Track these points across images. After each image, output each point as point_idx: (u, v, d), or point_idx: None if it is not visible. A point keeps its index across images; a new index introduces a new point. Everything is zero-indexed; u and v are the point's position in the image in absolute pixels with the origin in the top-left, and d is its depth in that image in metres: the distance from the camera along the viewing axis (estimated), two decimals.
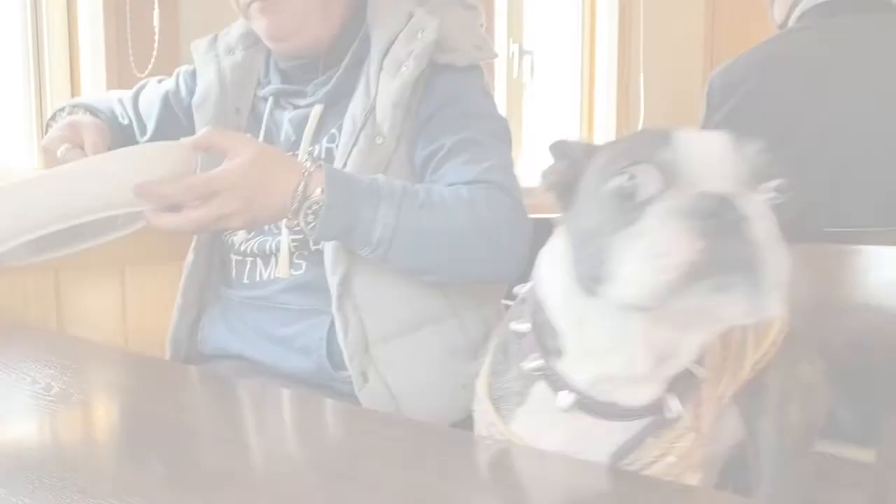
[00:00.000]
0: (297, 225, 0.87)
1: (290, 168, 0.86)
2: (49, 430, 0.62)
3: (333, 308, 0.96)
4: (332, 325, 0.97)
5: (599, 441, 0.56)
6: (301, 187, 0.84)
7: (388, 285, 0.98)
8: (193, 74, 1.16)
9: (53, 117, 1.10)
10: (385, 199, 0.88)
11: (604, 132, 3.17)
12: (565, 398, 0.56)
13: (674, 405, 0.55)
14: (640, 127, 3.13)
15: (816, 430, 0.75)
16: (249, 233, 1.07)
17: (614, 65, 3.13)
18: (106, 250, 1.39)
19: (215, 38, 1.16)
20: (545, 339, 0.57)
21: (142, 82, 1.24)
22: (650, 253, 0.45)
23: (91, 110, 1.11)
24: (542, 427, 0.58)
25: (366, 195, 0.88)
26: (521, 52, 2.76)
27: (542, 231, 0.67)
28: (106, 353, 0.90)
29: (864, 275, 0.82)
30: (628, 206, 0.48)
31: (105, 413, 0.67)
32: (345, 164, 0.97)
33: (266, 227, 1.05)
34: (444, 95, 1.00)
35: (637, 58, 3.15)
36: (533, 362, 0.58)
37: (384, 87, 0.97)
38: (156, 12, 1.36)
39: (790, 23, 1.48)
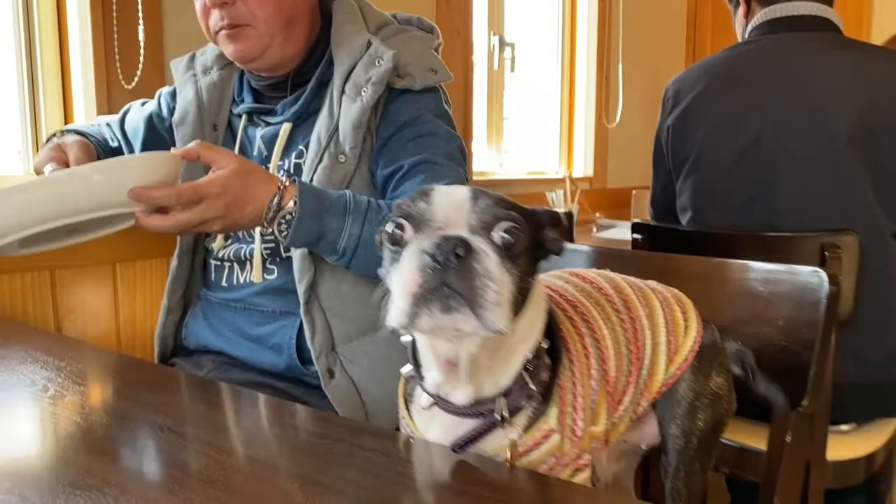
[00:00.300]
0: (272, 233, 0.97)
1: (266, 181, 0.95)
2: (44, 429, 0.72)
3: (301, 311, 1.06)
4: (302, 325, 1.07)
5: (452, 433, 0.67)
6: (276, 199, 0.94)
7: (351, 290, 1.08)
8: (173, 94, 1.24)
9: (48, 141, 1.18)
10: (351, 213, 0.98)
11: (584, 122, 3.23)
12: (425, 399, 0.69)
13: (499, 408, 0.65)
14: (618, 117, 3.21)
15: (722, 429, 0.84)
16: (226, 240, 1.16)
17: (594, 56, 3.18)
18: (98, 250, 1.50)
19: (193, 58, 1.24)
20: (415, 351, 0.70)
21: (126, 106, 1.31)
22: (400, 285, 0.58)
23: (80, 133, 1.19)
24: (426, 421, 0.71)
25: (334, 208, 0.97)
26: (502, 44, 2.82)
27: None
28: (100, 356, 0.99)
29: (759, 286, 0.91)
30: (395, 249, 0.62)
31: (95, 414, 0.77)
32: (311, 180, 1.06)
33: (241, 235, 1.15)
34: (401, 118, 1.08)
35: (616, 49, 3.21)
36: (406, 368, 0.72)
37: (345, 110, 1.06)
38: (141, 27, 1.43)
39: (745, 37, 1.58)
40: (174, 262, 1.21)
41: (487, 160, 2.87)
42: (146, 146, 1.24)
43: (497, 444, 0.66)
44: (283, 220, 0.95)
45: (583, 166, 3.25)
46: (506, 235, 0.60)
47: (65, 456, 0.64)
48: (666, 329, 0.80)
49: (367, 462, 0.64)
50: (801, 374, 0.84)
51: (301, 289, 1.05)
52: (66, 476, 0.59)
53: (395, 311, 0.58)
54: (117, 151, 1.25)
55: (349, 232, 0.97)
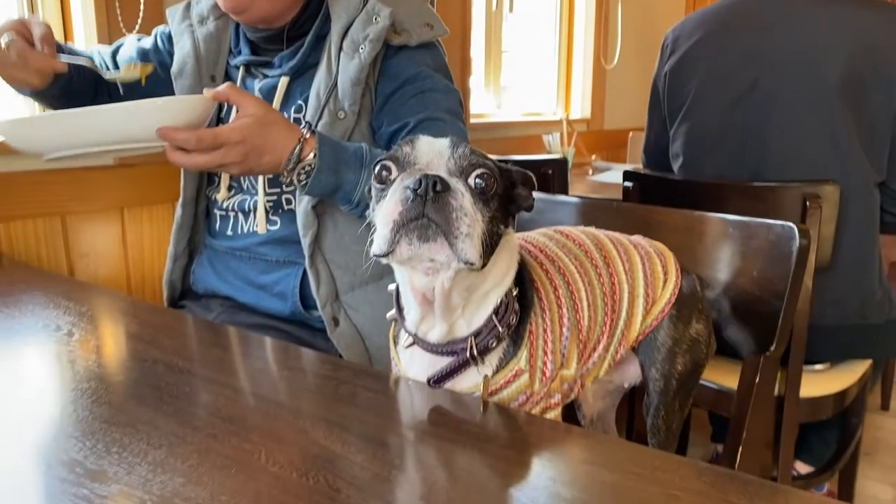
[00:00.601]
0: (290, 182, 1.00)
1: (287, 132, 0.98)
2: (74, 372, 0.78)
3: (306, 263, 1.11)
4: (305, 274, 1.13)
5: (430, 370, 0.75)
6: (296, 151, 0.98)
7: (353, 242, 1.13)
8: (170, 38, 1.24)
9: None
10: (367, 167, 1.02)
11: (581, 63, 3.22)
12: (406, 338, 0.77)
13: (470, 346, 0.73)
14: (616, 58, 3.19)
15: (701, 371, 0.91)
16: (230, 191, 1.21)
17: None
18: (106, 196, 1.55)
19: (188, 6, 1.23)
20: (398, 296, 0.78)
21: (120, 39, 1.32)
22: (383, 214, 0.65)
23: (68, 50, 1.18)
24: (408, 359, 0.79)
25: (351, 161, 1.01)
26: None
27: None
28: (117, 302, 1.05)
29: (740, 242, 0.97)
30: (381, 187, 0.70)
31: (119, 358, 0.83)
32: None
33: (245, 187, 1.19)
34: (401, 75, 1.11)
35: None
36: (390, 312, 0.80)
37: (344, 67, 1.09)
38: None
39: None
40: (178, 211, 1.26)
41: (485, 102, 2.88)
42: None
43: (472, 383, 0.74)
44: (302, 171, 0.99)
45: (580, 108, 3.26)
46: (479, 181, 0.68)
47: (95, 396, 0.71)
48: (644, 283, 0.86)
49: (370, 402, 0.71)
50: (771, 323, 0.91)
51: (305, 242, 1.10)
52: (101, 414, 0.66)
53: (378, 240, 0.66)
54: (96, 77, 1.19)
55: (365, 185, 1.01)
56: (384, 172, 0.70)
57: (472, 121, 2.74)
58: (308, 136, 0.98)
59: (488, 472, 0.57)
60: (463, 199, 0.65)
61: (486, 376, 0.73)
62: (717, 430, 1.95)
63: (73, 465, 0.57)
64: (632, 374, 0.94)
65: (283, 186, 1.15)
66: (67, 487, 0.54)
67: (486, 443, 0.63)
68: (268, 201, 1.15)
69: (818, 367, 1.45)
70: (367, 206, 1.02)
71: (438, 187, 0.63)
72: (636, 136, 2.92)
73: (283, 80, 1.14)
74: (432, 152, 0.69)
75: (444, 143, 0.70)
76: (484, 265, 0.67)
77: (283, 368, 0.80)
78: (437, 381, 0.75)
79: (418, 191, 0.63)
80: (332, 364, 0.81)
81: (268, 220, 1.16)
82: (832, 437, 1.71)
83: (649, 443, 0.91)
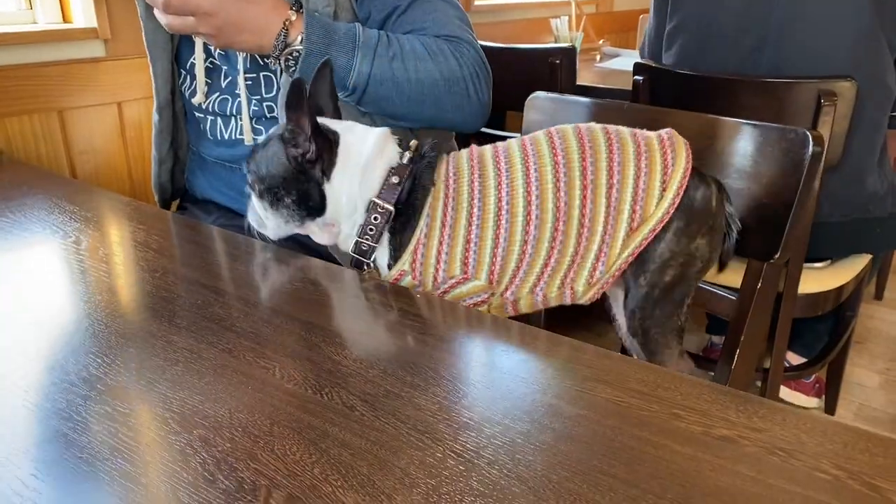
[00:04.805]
0: (278, 65, 0.97)
1: (271, 12, 0.93)
2: (86, 283, 0.79)
3: None
4: None
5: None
6: (282, 36, 0.94)
7: None
8: None
9: None
10: (361, 49, 0.97)
11: None
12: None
13: (353, 251, 0.86)
14: None
15: (686, 286, 0.87)
16: (207, 91, 1.16)
17: None
18: (102, 91, 1.51)
19: None
20: None
21: None
22: None
23: None
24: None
25: (342, 43, 0.96)
26: None
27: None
28: (121, 206, 1.04)
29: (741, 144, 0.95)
30: None
31: (128, 268, 0.84)
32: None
33: (223, 86, 1.15)
34: None
35: None
36: None
37: None
38: None
39: None
40: (155, 116, 1.21)
41: None
42: None
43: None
44: (290, 57, 0.95)
45: None
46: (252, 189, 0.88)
47: (109, 309, 0.72)
48: (633, 199, 0.82)
49: (381, 315, 0.73)
50: (778, 229, 0.90)
51: None
52: (116, 328, 0.68)
53: None
54: None
55: (359, 69, 0.97)
56: None
57: (477, 2, 2.62)
58: (294, 18, 0.94)
59: (494, 389, 0.59)
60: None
61: (370, 268, 0.87)
62: (713, 323, 2.00)
63: (94, 381, 0.59)
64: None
65: (263, 92, 1.12)
66: (91, 405, 0.56)
67: (495, 360, 0.65)
68: (252, 111, 1.12)
69: (818, 265, 1.47)
70: (364, 93, 1.00)
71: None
72: (647, 20, 2.80)
73: None
74: None
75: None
76: (318, 214, 0.84)
77: (295, 281, 0.81)
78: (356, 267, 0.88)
79: None
80: (343, 276, 0.82)
81: (252, 129, 1.13)
82: (825, 329, 1.75)
83: (629, 343, 0.92)
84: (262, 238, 0.90)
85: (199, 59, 1.12)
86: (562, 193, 0.82)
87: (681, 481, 0.48)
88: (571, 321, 1.96)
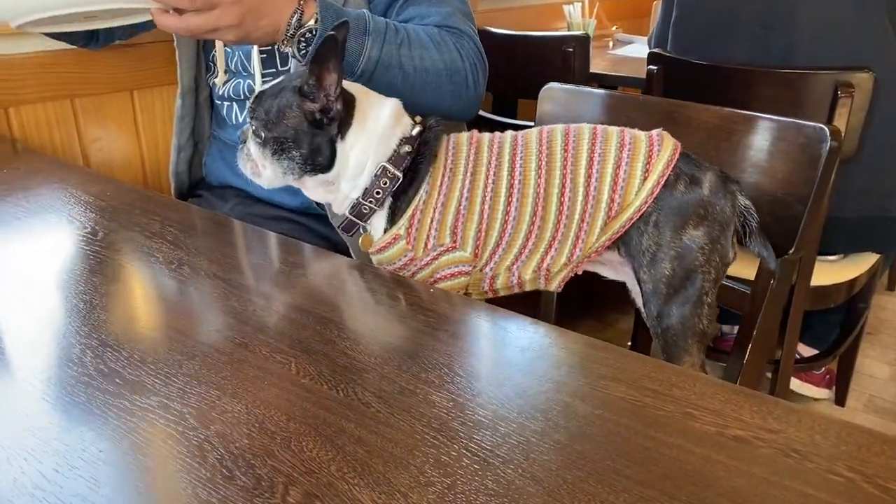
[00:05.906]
0: (291, 52, 0.97)
1: None
2: (105, 275, 0.80)
3: None
4: None
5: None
6: (295, 17, 0.95)
7: None
8: None
9: None
10: (371, 35, 0.98)
11: None
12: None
13: (349, 212, 0.91)
14: None
15: (696, 280, 0.87)
16: (226, 75, 1.18)
17: None
18: (114, 77, 1.51)
19: None
20: None
21: None
22: None
23: None
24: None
25: (353, 28, 0.97)
26: None
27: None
28: (137, 197, 1.04)
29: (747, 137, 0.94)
30: None
31: (145, 260, 0.85)
32: None
33: (237, 69, 1.16)
34: None
35: None
36: None
37: None
38: None
39: None
40: (178, 101, 1.24)
41: None
42: None
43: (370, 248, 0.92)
44: (302, 39, 0.96)
45: None
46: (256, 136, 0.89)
47: (125, 303, 0.73)
48: (611, 188, 0.86)
49: (397, 311, 0.73)
50: (793, 225, 0.90)
51: None
52: (132, 321, 0.68)
53: None
54: None
55: (368, 54, 0.98)
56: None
57: None
58: (307, 0, 0.94)
59: (508, 386, 0.59)
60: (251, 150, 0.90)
61: (366, 234, 0.91)
62: (724, 312, 2.00)
63: (112, 375, 0.60)
64: (603, 271, 0.98)
65: (279, 69, 1.13)
66: (110, 399, 0.56)
67: (511, 357, 0.65)
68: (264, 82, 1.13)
69: (832, 258, 1.46)
70: (371, 79, 1.01)
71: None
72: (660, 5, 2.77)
73: None
74: None
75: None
76: (323, 171, 0.87)
77: (311, 274, 0.81)
78: (345, 230, 0.94)
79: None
80: (359, 271, 0.82)
81: None
82: (836, 320, 1.75)
83: (654, 346, 0.93)
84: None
85: (219, 43, 1.13)
86: (542, 181, 0.88)
87: (694, 482, 0.48)
88: (582, 311, 1.96)
